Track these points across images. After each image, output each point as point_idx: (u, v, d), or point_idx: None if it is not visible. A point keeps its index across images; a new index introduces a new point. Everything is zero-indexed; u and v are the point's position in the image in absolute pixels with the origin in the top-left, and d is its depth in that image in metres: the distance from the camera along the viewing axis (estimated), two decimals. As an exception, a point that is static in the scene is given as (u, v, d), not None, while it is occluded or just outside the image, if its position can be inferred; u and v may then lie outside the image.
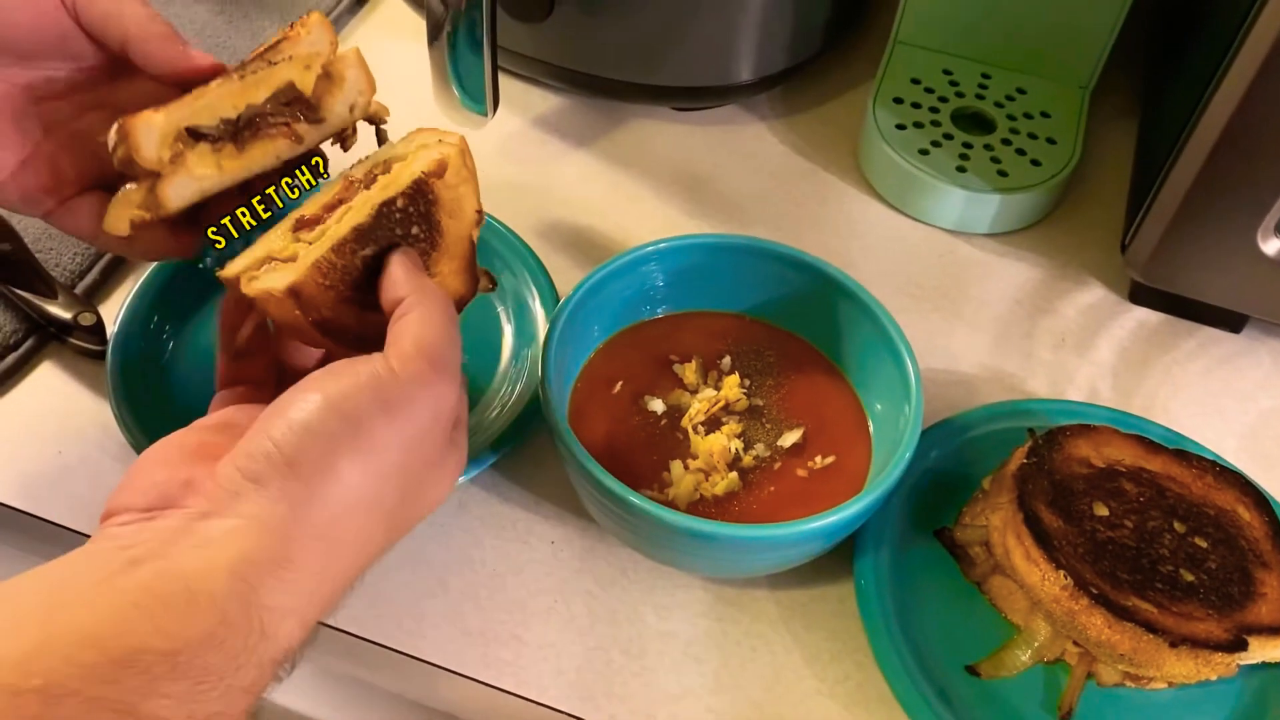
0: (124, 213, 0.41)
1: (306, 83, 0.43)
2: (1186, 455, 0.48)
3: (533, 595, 0.47)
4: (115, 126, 0.40)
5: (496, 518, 0.49)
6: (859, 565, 0.46)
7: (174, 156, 0.40)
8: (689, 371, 0.50)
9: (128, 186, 0.41)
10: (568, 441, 0.43)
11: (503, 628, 0.46)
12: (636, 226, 0.62)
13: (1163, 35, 0.68)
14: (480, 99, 0.60)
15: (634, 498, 0.42)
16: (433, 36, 0.58)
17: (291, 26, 0.44)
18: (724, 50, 0.63)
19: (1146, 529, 0.45)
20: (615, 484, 0.42)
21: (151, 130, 0.40)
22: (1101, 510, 0.45)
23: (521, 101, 0.68)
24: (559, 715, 0.44)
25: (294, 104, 0.43)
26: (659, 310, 0.52)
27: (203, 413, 0.41)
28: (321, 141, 0.45)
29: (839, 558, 0.47)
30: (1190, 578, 0.43)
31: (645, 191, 0.64)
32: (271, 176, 0.44)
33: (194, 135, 0.41)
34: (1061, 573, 0.42)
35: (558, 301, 0.53)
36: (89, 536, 0.47)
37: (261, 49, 0.44)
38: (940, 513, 0.48)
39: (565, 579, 0.48)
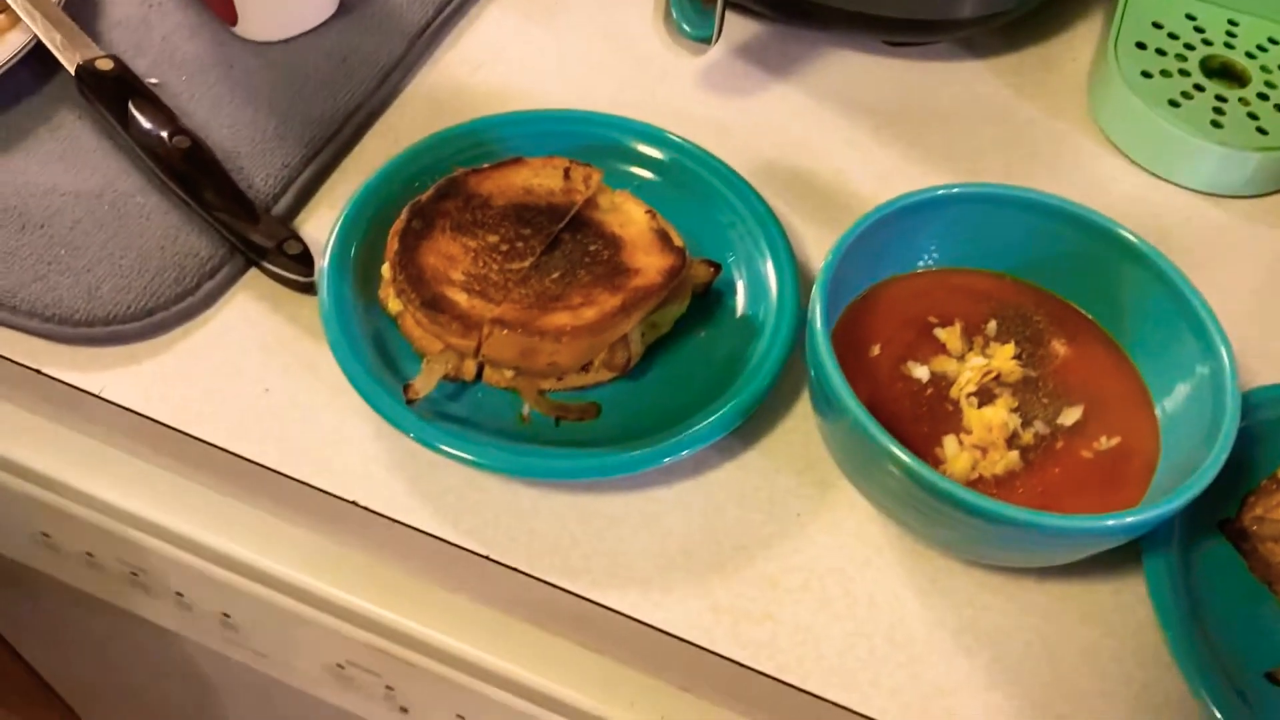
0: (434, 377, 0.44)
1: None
2: None
3: (783, 572, 0.44)
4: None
5: (737, 485, 0.46)
6: (1149, 562, 0.42)
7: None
8: (952, 336, 0.46)
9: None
10: (844, 397, 0.39)
11: (754, 605, 0.43)
12: (858, 172, 0.57)
13: None
14: (699, 25, 0.55)
15: (928, 472, 0.38)
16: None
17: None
18: (952, -19, 0.58)
19: None
20: (902, 451, 0.38)
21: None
22: None
23: (719, 29, 0.63)
24: (823, 705, 0.41)
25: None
26: (918, 265, 0.48)
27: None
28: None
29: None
30: None
31: (861, 135, 0.59)
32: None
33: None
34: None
35: (789, 253, 0.49)
36: (308, 485, 0.44)
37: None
38: (1224, 501, 0.44)
39: (815, 556, 0.44)
